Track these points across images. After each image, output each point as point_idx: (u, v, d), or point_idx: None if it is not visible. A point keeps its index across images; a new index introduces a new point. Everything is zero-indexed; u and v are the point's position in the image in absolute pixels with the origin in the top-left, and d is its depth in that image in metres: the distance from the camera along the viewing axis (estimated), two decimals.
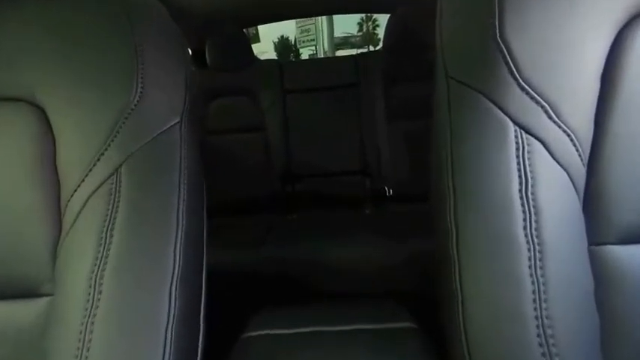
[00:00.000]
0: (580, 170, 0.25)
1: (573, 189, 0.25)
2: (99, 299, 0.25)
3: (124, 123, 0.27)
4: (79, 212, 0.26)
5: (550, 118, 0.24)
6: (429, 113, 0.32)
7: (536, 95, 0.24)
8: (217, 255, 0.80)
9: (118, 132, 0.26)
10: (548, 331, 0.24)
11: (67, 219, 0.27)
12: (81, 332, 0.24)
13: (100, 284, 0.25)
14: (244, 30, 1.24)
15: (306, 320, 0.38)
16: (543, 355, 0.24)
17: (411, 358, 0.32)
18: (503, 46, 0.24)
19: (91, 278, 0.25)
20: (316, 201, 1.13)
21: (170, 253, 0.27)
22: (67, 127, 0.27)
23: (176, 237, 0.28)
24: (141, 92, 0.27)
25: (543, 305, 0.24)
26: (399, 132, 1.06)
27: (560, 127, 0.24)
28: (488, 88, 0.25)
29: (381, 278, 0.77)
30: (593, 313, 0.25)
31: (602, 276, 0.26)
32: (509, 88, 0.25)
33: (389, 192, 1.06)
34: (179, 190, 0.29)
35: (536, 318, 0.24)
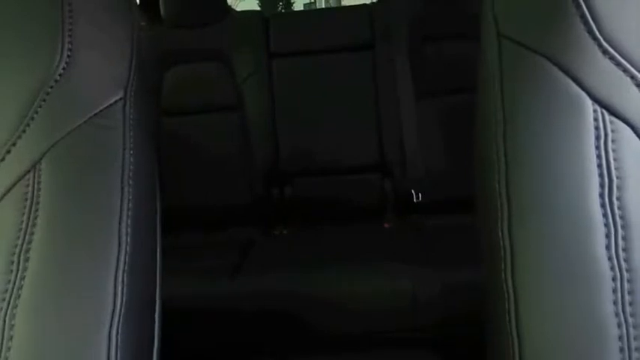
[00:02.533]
0: None
1: None
2: (9, 348, 0.25)
3: (44, 100, 0.27)
4: None
5: None
6: (474, 85, 0.32)
7: (624, 61, 0.25)
8: (176, 286, 0.79)
9: (35, 113, 0.26)
10: None
11: None
12: None
13: (11, 327, 0.25)
14: None
15: None
16: None
17: None
18: None
19: None
20: (314, 210, 1.13)
21: (109, 284, 0.27)
22: None
23: (117, 262, 0.28)
24: (68, 57, 0.27)
25: (634, 356, 0.24)
26: (432, 111, 1.07)
27: None
28: (557, 51, 0.26)
29: (408, 319, 0.77)
30: None
31: None
32: (587, 52, 0.25)
33: (417, 197, 1.06)
34: (122, 194, 0.29)
35: None
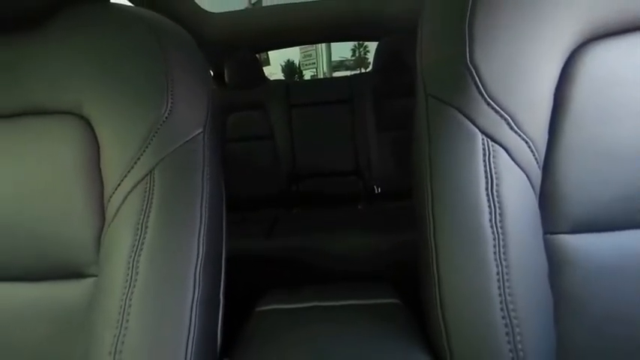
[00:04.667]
0: (536, 172, 0.25)
1: (530, 187, 0.25)
2: (136, 279, 0.25)
3: (156, 133, 0.27)
4: (119, 207, 0.26)
5: (511, 128, 0.24)
6: (411, 124, 0.32)
7: (499, 109, 0.24)
8: (234, 243, 0.79)
9: (151, 140, 0.27)
10: (510, 306, 0.24)
11: (109, 213, 0.27)
12: (121, 306, 0.24)
13: (137, 267, 0.25)
14: (257, 55, 1.24)
15: (308, 297, 0.38)
16: (506, 326, 0.24)
17: (393, 328, 0.32)
18: (472, 69, 0.24)
19: (129, 262, 0.25)
20: (317, 198, 1.13)
21: (194, 242, 0.27)
22: (110, 136, 0.27)
23: (200, 228, 0.28)
24: (170, 107, 0.27)
25: (506, 284, 0.24)
26: (387, 140, 1.06)
27: (519, 135, 0.25)
28: (461, 104, 0.25)
29: (372, 263, 0.77)
30: (548, 292, 0.25)
31: (555, 260, 0.26)
32: (478, 104, 0.25)
33: (378, 190, 1.06)
34: (202, 189, 0.29)
35: (500, 296, 0.24)
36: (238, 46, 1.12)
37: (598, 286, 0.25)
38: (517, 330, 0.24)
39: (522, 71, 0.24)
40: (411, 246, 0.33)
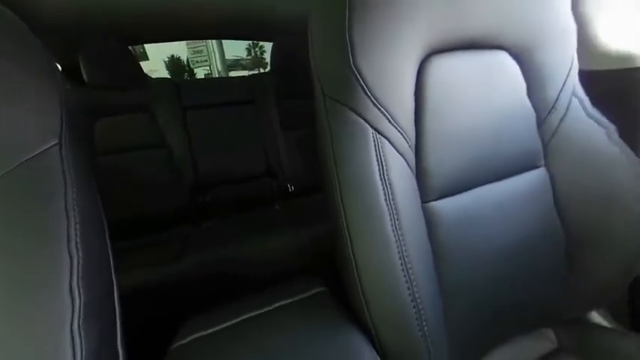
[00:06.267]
0: (411, 156, 0.32)
1: (408, 168, 0.31)
2: None
3: None
4: None
5: (390, 122, 0.29)
6: (314, 122, 0.33)
7: (381, 107, 0.29)
8: (139, 275, 0.64)
9: None
10: (408, 265, 0.29)
11: None
12: None
13: None
14: (130, 47, 1.02)
15: (232, 313, 0.35)
16: (407, 282, 0.29)
17: (322, 314, 0.34)
18: (357, 72, 0.28)
19: None
20: (230, 206, 1.05)
21: (65, 290, 0.20)
22: None
23: (71, 273, 0.21)
24: None
25: (403, 249, 0.29)
26: (293, 139, 1.08)
27: (396, 128, 0.30)
28: (353, 104, 0.28)
29: (296, 259, 0.77)
30: (428, 247, 0.32)
31: (430, 222, 0.33)
32: (365, 103, 0.28)
33: (291, 188, 1.07)
34: (67, 217, 0.22)
35: (400, 259, 0.29)
36: (94, 33, 0.88)
37: (458, 235, 0.34)
38: (414, 283, 0.29)
39: (392, 74, 0.29)
40: (327, 237, 0.34)
